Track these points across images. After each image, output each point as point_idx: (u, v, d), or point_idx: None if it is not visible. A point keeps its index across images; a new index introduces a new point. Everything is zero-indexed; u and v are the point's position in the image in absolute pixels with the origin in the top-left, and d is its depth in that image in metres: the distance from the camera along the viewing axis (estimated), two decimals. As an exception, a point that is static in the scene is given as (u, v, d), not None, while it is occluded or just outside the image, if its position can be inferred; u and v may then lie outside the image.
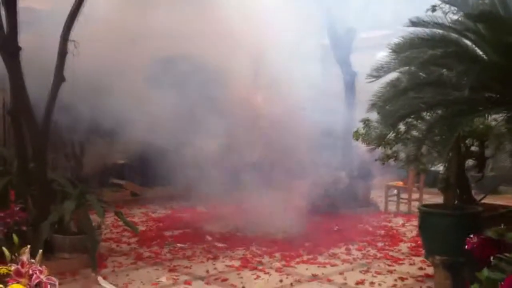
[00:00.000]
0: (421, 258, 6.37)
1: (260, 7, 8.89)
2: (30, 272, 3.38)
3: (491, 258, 3.37)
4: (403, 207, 10.05)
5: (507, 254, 3.25)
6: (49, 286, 3.40)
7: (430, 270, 5.90)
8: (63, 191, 6.75)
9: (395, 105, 4.45)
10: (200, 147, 10.88)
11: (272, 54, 9.21)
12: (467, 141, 5.48)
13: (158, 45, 9.83)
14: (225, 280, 5.83)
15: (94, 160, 11.35)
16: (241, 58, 9.30)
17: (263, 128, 10.33)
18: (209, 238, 7.75)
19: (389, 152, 5.30)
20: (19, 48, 6.22)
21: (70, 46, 6.50)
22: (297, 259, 6.60)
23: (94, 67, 9.07)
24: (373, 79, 4.26)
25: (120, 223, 7.84)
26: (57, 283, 3.47)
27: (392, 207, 10.18)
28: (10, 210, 6.16)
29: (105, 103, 9.13)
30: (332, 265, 6.40)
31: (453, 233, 4.54)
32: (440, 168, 6.08)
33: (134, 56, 9.39)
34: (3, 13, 6.24)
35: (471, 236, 3.88)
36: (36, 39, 8.90)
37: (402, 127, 4.95)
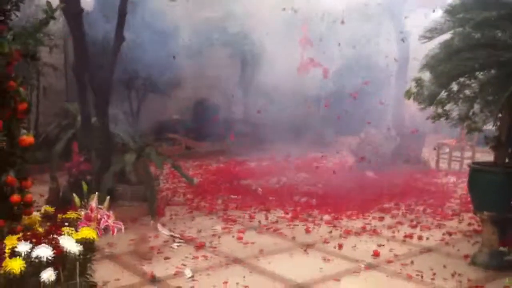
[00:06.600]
0: (471, 215, 6.45)
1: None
2: (99, 217, 3.72)
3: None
4: (455, 165, 10.04)
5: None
6: (115, 229, 3.75)
7: (478, 226, 5.99)
8: (123, 144, 7.14)
9: (448, 65, 4.49)
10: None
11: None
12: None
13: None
14: (276, 230, 6.10)
15: (150, 116, 11.77)
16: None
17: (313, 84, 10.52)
18: (260, 191, 8.02)
19: (440, 111, 5.34)
20: (81, 10, 6.47)
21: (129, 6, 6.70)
22: (347, 212, 6.79)
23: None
24: (426, 40, 4.30)
25: (176, 175, 8.22)
26: (123, 227, 3.81)
27: (444, 165, 10.18)
28: (76, 161, 6.59)
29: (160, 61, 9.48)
30: (381, 219, 6.56)
31: (502, 190, 4.61)
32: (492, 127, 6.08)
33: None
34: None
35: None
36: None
37: (454, 86, 4.97)
